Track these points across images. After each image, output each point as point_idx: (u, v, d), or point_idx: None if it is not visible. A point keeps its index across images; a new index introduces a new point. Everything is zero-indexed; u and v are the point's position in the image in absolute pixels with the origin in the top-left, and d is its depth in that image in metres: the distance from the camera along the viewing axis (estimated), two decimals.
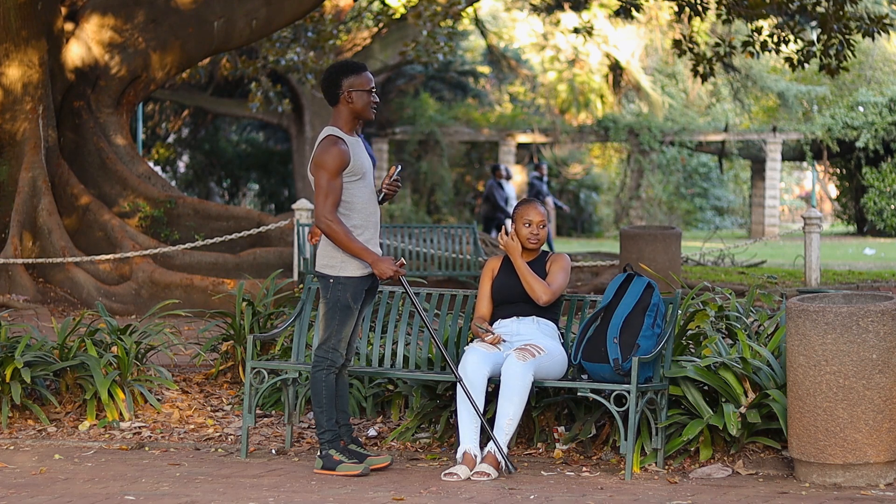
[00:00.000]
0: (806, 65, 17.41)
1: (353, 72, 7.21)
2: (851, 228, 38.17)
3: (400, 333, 7.95)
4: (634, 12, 22.25)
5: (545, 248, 7.71)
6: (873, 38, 16.81)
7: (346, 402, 7.34)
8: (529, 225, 7.55)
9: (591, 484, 6.93)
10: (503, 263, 7.68)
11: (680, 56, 18.47)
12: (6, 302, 14.60)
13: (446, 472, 7.05)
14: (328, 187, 7.06)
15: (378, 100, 7.31)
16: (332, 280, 7.11)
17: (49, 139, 16.00)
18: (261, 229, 15.94)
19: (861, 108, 34.73)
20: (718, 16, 17.42)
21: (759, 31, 17.25)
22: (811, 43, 17.19)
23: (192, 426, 8.48)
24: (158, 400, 8.90)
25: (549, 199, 26.19)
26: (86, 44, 16.66)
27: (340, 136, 7.13)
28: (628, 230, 14.63)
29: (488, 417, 7.43)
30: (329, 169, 7.05)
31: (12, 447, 7.92)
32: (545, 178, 26.86)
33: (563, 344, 7.53)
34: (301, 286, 13.42)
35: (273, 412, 8.77)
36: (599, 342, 7.28)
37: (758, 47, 17.08)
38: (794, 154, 37.52)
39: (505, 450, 7.11)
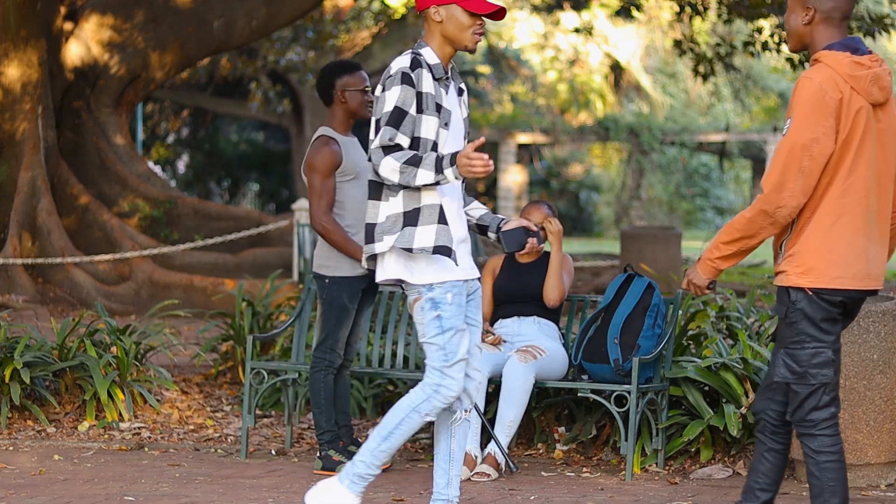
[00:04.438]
0: (807, 65, 17.39)
1: (346, 71, 7.20)
2: None
3: (400, 334, 7.94)
4: (635, 12, 22.24)
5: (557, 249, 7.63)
6: (874, 38, 16.78)
7: (347, 402, 7.32)
8: None
9: (591, 484, 6.92)
10: (504, 263, 7.67)
11: (680, 56, 18.46)
12: (5, 302, 14.59)
13: None
14: (321, 188, 7.06)
15: (373, 98, 7.28)
16: (327, 280, 7.11)
17: (48, 139, 15.99)
18: (260, 229, 15.94)
19: None
20: (719, 16, 17.40)
21: (759, 30, 17.23)
22: None
23: (191, 427, 8.47)
24: (158, 400, 8.88)
25: None
26: (85, 43, 16.65)
27: (332, 137, 7.13)
28: (628, 230, 14.64)
29: (488, 418, 7.42)
30: (320, 170, 7.05)
31: (11, 448, 7.90)
32: None
33: (563, 344, 7.51)
34: (301, 286, 13.42)
35: (273, 413, 8.76)
36: (600, 343, 7.26)
37: (758, 47, 17.05)
38: None
39: (505, 450, 7.10)
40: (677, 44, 18.25)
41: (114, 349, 8.69)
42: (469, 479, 6.99)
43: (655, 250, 13.98)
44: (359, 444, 7.29)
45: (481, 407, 7.18)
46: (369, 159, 5.32)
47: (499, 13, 5.33)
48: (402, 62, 5.34)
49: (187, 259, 16.12)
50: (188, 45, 17.03)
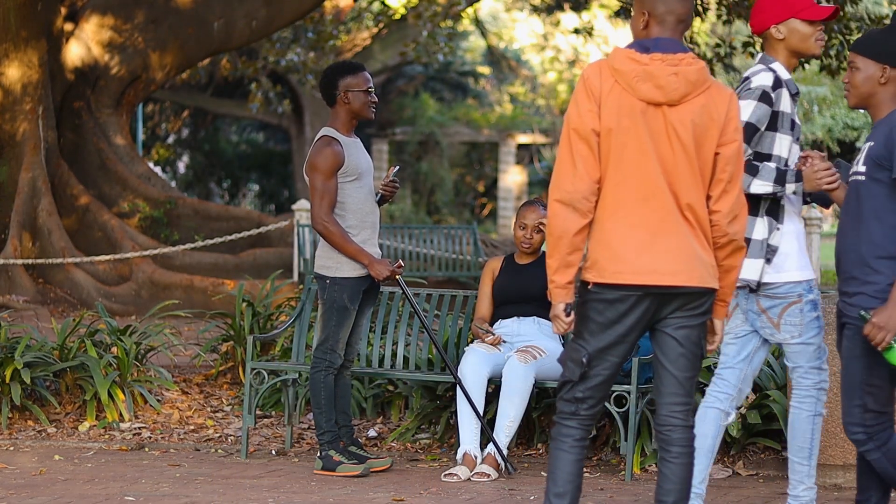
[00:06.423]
0: (806, 65, 17.41)
1: (349, 72, 7.21)
2: None
3: (400, 334, 7.94)
4: None
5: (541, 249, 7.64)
6: None
7: (347, 402, 7.33)
8: (524, 228, 7.52)
9: (591, 484, 6.92)
10: (504, 264, 7.68)
11: None
12: (6, 302, 14.61)
13: (446, 472, 7.04)
14: (322, 189, 7.07)
15: (377, 99, 7.30)
16: (329, 281, 7.12)
17: (49, 139, 16.00)
18: (261, 230, 15.94)
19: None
20: (719, 16, 17.42)
21: None
22: None
23: (191, 427, 8.48)
24: (158, 401, 8.89)
25: None
26: (85, 44, 16.66)
27: (334, 137, 7.13)
28: None
29: (488, 418, 7.43)
30: (322, 170, 7.06)
31: (12, 448, 7.91)
32: None
33: (563, 344, 7.51)
34: (301, 286, 13.43)
35: (273, 413, 8.77)
36: None
37: (758, 48, 17.06)
38: None
39: (505, 451, 7.11)
40: None
41: (114, 349, 8.69)
42: (469, 479, 7.00)
43: None
44: (359, 444, 7.30)
45: (481, 408, 7.19)
46: None
47: (833, 14, 5.59)
48: (764, 79, 5.61)
49: (187, 259, 16.13)
50: (188, 46, 17.05)
